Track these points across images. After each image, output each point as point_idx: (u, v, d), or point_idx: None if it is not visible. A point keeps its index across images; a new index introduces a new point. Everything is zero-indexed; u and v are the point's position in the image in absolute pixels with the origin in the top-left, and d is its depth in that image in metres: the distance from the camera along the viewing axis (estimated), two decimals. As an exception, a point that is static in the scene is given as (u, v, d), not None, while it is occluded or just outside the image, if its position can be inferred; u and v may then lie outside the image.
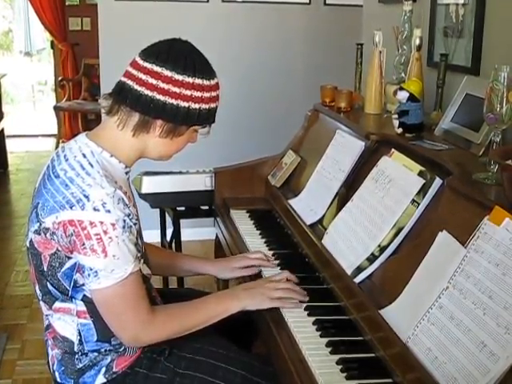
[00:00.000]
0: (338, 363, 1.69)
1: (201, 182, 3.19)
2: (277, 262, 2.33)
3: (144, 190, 3.17)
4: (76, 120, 8.85)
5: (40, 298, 1.90)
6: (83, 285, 1.79)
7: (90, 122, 8.57)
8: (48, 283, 1.83)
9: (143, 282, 1.86)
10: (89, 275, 1.71)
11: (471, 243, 1.60)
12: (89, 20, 8.57)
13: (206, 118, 1.84)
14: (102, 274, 1.70)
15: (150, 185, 3.18)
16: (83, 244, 1.68)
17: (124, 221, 1.71)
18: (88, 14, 8.45)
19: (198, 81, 1.77)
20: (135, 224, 1.78)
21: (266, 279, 2.14)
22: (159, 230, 3.60)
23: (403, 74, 3.05)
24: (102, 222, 1.67)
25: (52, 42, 9.25)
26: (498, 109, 1.84)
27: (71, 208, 1.68)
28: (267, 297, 1.98)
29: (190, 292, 2.36)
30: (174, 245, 3.55)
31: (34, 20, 10.13)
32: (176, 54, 1.77)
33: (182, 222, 3.50)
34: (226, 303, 1.97)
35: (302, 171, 2.91)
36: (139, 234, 1.86)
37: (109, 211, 1.68)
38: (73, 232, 1.69)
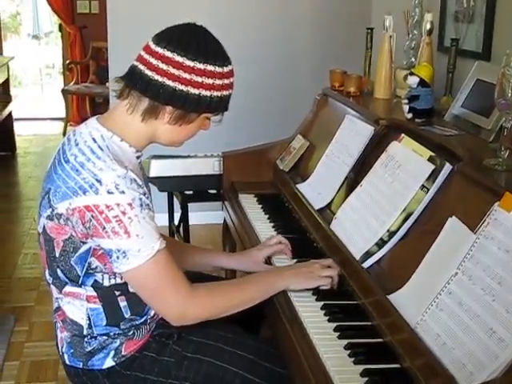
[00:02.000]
0: (345, 348, 1.69)
1: (209, 166, 3.19)
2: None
3: (152, 174, 3.17)
4: (84, 103, 8.86)
5: (50, 281, 1.90)
6: (96, 269, 1.79)
7: (97, 106, 8.57)
8: (58, 269, 1.83)
9: None
10: (118, 258, 1.69)
11: (481, 229, 1.59)
12: (97, 3, 8.53)
13: (218, 105, 1.81)
14: (130, 254, 1.68)
15: (158, 168, 3.18)
16: (104, 228, 1.67)
17: (140, 199, 1.69)
18: (96, -4, 8.45)
19: (210, 67, 1.74)
20: (151, 202, 1.77)
21: (310, 261, 2.09)
22: (167, 214, 3.61)
23: (413, 59, 3.04)
24: (118, 204, 1.66)
25: (60, 25, 9.23)
26: (510, 95, 1.82)
27: (84, 194, 1.68)
28: (314, 276, 1.97)
29: (200, 276, 2.36)
30: (181, 228, 3.56)
31: (41, 3, 10.14)
32: (188, 39, 1.74)
33: (190, 205, 3.51)
34: (269, 282, 1.96)
35: (310, 156, 2.91)
36: None
37: (123, 192, 1.67)
38: (91, 217, 1.68)
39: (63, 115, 8.78)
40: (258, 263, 2.22)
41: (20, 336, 3.48)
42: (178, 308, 1.80)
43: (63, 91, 8.65)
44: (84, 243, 1.75)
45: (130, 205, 1.67)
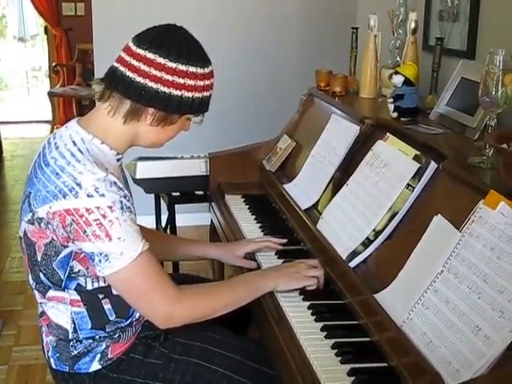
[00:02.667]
0: (332, 347, 1.69)
1: (196, 167, 3.18)
2: (285, 240, 2.32)
3: (138, 176, 3.16)
4: (70, 106, 8.83)
5: (33, 286, 1.89)
6: (78, 272, 1.78)
7: (84, 108, 8.54)
8: (41, 273, 1.82)
9: None
10: (100, 261, 1.68)
11: (466, 227, 1.60)
12: (82, 5, 8.49)
13: (199, 106, 1.80)
14: (112, 257, 1.67)
15: (145, 170, 3.17)
16: (85, 231, 1.66)
17: (121, 202, 1.68)
18: (81, -2, 8.42)
19: (192, 69, 1.73)
20: (132, 205, 1.76)
21: (296, 261, 2.09)
22: (154, 216, 3.59)
23: (398, 58, 3.05)
24: (98, 207, 1.65)
25: (46, 28, 9.20)
26: (494, 92, 1.83)
27: (64, 197, 1.66)
28: (301, 275, 1.97)
29: (186, 277, 2.36)
30: (168, 230, 3.55)
31: (27, 5, 10.09)
32: (170, 40, 1.73)
33: (177, 207, 3.50)
34: (257, 283, 1.96)
35: (296, 156, 2.90)
36: None
37: (103, 195, 1.66)
38: (72, 221, 1.66)
39: (50, 118, 8.77)
40: (238, 257, 2.24)
41: (8, 340, 3.46)
42: (164, 310, 1.78)
43: (49, 94, 8.63)
44: (65, 247, 1.74)
45: (110, 208, 1.66)
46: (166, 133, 1.84)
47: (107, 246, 1.66)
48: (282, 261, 2.21)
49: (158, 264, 1.78)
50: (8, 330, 3.56)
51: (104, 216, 1.66)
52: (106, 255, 1.67)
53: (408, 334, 1.59)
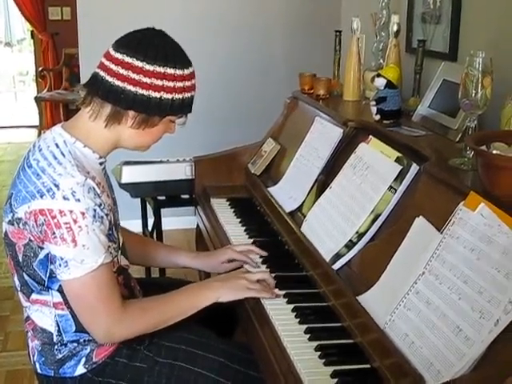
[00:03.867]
0: (316, 349, 1.69)
1: (181, 171, 3.19)
2: (266, 253, 2.29)
3: (124, 180, 3.17)
4: (57, 110, 8.79)
5: (18, 288, 1.90)
6: None
7: (71, 112, 8.48)
8: (24, 274, 1.83)
9: (120, 273, 1.87)
10: (60, 265, 1.70)
11: (447, 228, 1.61)
12: (69, 9, 8.47)
13: (180, 108, 1.81)
14: (72, 264, 1.68)
15: (130, 174, 3.17)
16: (53, 233, 1.67)
17: (94, 210, 1.69)
18: (68, 3, 8.33)
19: (170, 70, 1.75)
20: (107, 215, 1.76)
21: (240, 270, 2.13)
22: (140, 220, 3.60)
23: (382, 61, 3.06)
24: (71, 211, 1.66)
25: (32, 32, 9.17)
26: (473, 94, 1.84)
27: (41, 197, 1.68)
28: (243, 286, 1.97)
29: (170, 281, 2.36)
30: (155, 234, 3.55)
31: (13, 10, 10.04)
32: (147, 43, 1.75)
33: (163, 211, 3.50)
34: (199, 295, 1.95)
35: (281, 159, 2.91)
36: (115, 224, 1.87)
37: (78, 200, 1.67)
38: (43, 221, 1.68)
39: (37, 123, 8.74)
40: (220, 265, 2.25)
41: (-5, 345, 3.45)
42: (105, 327, 1.79)
43: (36, 99, 8.60)
44: (42, 248, 1.75)
45: (82, 214, 1.67)
46: (149, 135, 1.85)
47: (71, 251, 1.68)
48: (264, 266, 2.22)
49: (113, 279, 1.80)
50: (-5, 335, 3.55)
51: (75, 221, 1.67)
52: (66, 261, 1.68)
53: (390, 335, 1.61)
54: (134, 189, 3.22)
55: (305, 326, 1.81)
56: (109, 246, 1.76)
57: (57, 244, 1.68)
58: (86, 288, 1.73)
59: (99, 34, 4.49)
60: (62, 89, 8.66)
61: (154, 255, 2.30)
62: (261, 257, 2.28)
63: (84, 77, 4.52)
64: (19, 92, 11.76)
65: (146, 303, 1.91)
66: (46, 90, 8.67)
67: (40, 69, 8.79)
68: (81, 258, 1.68)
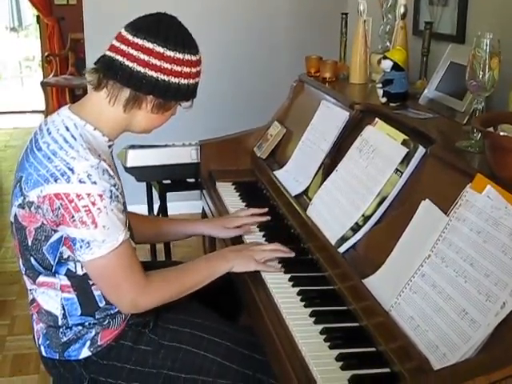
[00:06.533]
0: (321, 333, 1.69)
1: (186, 155, 3.18)
2: (269, 218, 2.38)
3: (129, 164, 3.16)
4: (64, 95, 8.78)
5: (24, 272, 1.90)
6: (68, 258, 1.79)
7: (77, 97, 8.48)
8: (32, 258, 1.83)
9: None
10: (81, 247, 1.71)
11: (453, 211, 1.60)
12: (74, -6, 8.47)
13: (193, 92, 1.86)
14: (94, 245, 1.70)
15: (136, 158, 3.17)
16: (72, 216, 1.68)
17: (111, 191, 1.71)
18: (73, -13, 8.37)
19: (187, 56, 1.78)
20: (121, 194, 1.79)
21: (253, 242, 2.18)
22: (146, 205, 3.59)
23: (388, 43, 3.03)
24: (89, 194, 1.67)
25: (38, 17, 9.15)
26: (481, 76, 1.82)
27: (56, 181, 1.68)
28: (254, 258, 2.02)
29: (177, 265, 2.36)
30: (161, 218, 3.54)
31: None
32: (166, 29, 1.77)
33: (169, 195, 3.49)
34: (215, 265, 2.00)
35: (287, 142, 2.90)
36: (125, 207, 1.87)
37: (95, 182, 1.68)
38: (60, 205, 1.68)
39: (43, 108, 8.73)
40: (228, 230, 2.32)
41: (2, 330, 3.47)
42: (130, 298, 1.82)
43: (42, 84, 8.59)
44: (55, 231, 1.76)
45: (100, 196, 1.68)
46: (162, 119, 1.89)
47: (92, 232, 1.69)
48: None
49: (134, 254, 1.82)
50: (2, 319, 3.57)
51: (93, 203, 1.68)
52: (88, 242, 1.70)
53: (396, 318, 1.60)
54: (139, 173, 3.21)
55: (310, 310, 1.80)
56: (126, 223, 1.79)
57: (76, 227, 1.69)
58: (109, 265, 1.76)
59: (105, 18, 4.48)
60: (68, 74, 8.64)
61: (162, 229, 2.35)
62: (264, 236, 2.31)
63: (90, 61, 4.50)
64: (25, 77, 11.76)
65: (167, 273, 1.95)
66: (52, 75, 8.66)
67: (46, 54, 8.78)
68: (102, 238, 1.70)
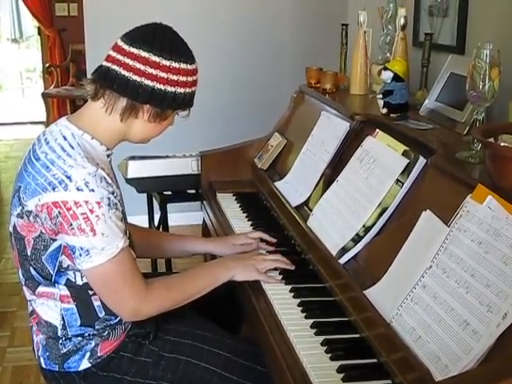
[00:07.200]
0: (322, 344, 1.68)
1: (187, 166, 3.18)
2: (275, 240, 2.34)
3: (130, 175, 3.16)
4: (64, 106, 8.80)
5: (23, 282, 1.90)
6: (68, 267, 1.79)
7: (78, 108, 8.33)
8: (31, 268, 1.83)
9: None
10: (80, 255, 1.71)
11: (454, 222, 1.59)
12: (75, 5, 8.47)
13: (189, 101, 1.86)
14: (93, 252, 1.70)
15: (136, 169, 3.17)
16: (70, 224, 1.68)
17: (109, 198, 1.71)
18: (75, -1, 8.39)
19: (183, 66, 1.78)
20: (120, 201, 1.79)
21: (254, 252, 2.19)
22: (147, 216, 3.59)
23: (388, 54, 3.04)
24: (86, 202, 1.67)
25: (39, 29, 9.18)
26: (481, 86, 1.82)
27: (54, 190, 1.68)
28: (255, 268, 2.02)
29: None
30: (161, 230, 3.54)
31: (21, 6, 10.06)
32: (161, 39, 1.78)
33: (170, 206, 3.49)
34: (216, 272, 2.01)
35: (288, 153, 2.90)
36: (124, 217, 1.86)
37: (92, 190, 1.68)
38: (58, 214, 1.68)
39: (44, 119, 8.74)
40: (231, 247, 2.28)
41: (2, 341, 3.46)
42: (131, 306, 1.82)
43: (43, 95, 8.62)
44: (54, 240, 1.75)
45: (98, 203, 1.68)
46: (159, 128, 1.89)
47: (91, 240, 1.69)
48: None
49: (134, 261, 1.82)
50: (2, 331, 3.56)
51: (91, 211, 1.68)
52: (87, 250, 1.70)
53: (397, 329, 1.59)
54: (139, 184, 3.21)
55: (311, 321, 1.80)
56: (125, 231, 1.79)
57: (75, 235, 1.69)
58: (109, 273, 1.76)
59: (106, 29, 4.47)
60: (69, 85, 8.66)
61: (163, 245, 2.33)
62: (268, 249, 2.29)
63: (91, 72, 4.53)
64: (26, 88, 11.78)
65: (168, 281, 1.96)
66: (53, 86, 8.69)
67: (47, 65, 8.80)
68: (101, 245, 1.70)
